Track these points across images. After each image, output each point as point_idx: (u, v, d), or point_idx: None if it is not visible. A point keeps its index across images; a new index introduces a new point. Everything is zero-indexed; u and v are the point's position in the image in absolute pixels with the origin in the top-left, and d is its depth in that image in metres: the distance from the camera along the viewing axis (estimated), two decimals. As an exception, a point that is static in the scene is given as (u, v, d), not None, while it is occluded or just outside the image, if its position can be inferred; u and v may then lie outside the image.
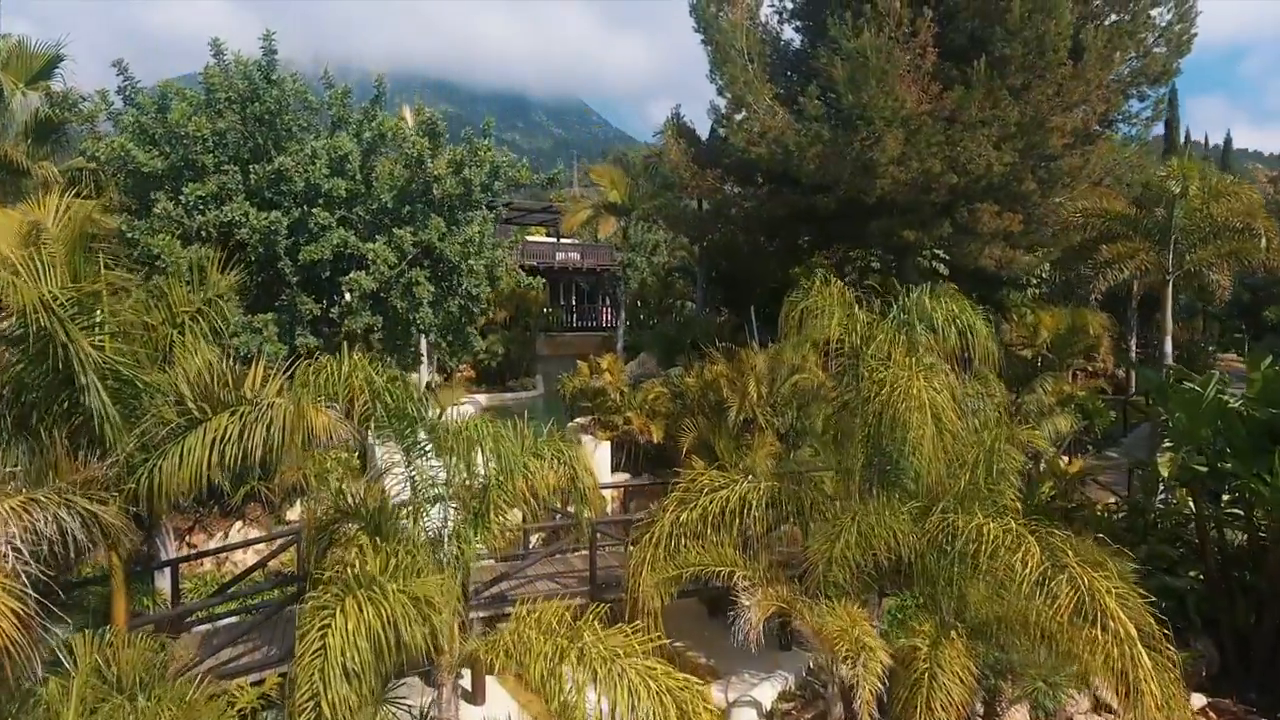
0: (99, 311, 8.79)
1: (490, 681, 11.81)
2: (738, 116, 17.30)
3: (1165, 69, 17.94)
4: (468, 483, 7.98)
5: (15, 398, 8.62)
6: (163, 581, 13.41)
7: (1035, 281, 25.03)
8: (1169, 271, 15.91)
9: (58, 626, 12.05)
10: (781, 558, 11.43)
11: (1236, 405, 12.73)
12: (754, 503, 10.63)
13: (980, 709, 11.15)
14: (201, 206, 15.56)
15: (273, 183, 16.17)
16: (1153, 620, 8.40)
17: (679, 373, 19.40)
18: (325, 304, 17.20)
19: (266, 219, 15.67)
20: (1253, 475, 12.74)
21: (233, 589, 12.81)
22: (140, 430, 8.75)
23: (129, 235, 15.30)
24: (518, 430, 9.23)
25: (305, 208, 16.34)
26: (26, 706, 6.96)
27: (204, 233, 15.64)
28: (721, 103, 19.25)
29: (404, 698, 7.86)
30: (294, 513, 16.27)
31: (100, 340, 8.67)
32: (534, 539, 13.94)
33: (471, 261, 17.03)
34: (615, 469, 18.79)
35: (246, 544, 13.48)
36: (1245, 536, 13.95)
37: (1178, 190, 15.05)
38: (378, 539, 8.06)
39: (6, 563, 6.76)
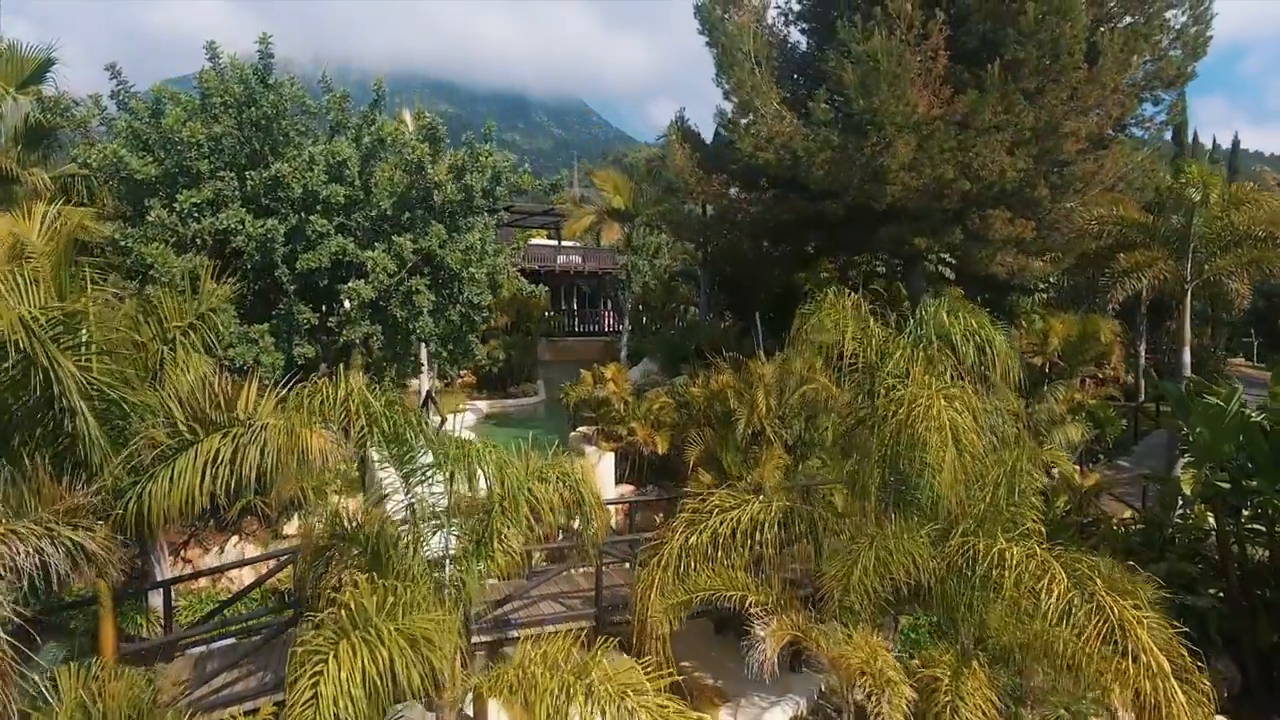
0: (85, 329, 8.45)
1: (494, 704, 11.46)
2: (744, 121, 16.91)
3: (1180, 72, 17.56)
4: (470, 509, 7.63)
5: (-4, 419, 8.27)
6: (157, 599, 13.08)
7: (1043, 286, 24.67)
8: (1187, 281, 15.54)
9: (47, 648, 11.73)
10: (793, 575, 11.10)
11: (1260, 420, 12.37)
12: (766, 522, 10.29)
13: (1001, 737, 10.80)
14: (196, 214, 15.20)
15: (269, 189, 15.81)
16: (1185, 653, 8.06)
17: (684, 381, 19.04)
18: (323, 313, 16.85)
19: (263, 226, 15.31)
20: (1275, 491, 12.41)
21: (228, 610, 12.48)
22: (128, 453, 8.40)
23: (122, 243, 14.95)
24: (521, 452, 8.91)
25: (303, 215, 15.98)
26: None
27: (199, 240, 15.28)
28: (728, 107, 18.95)
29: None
30: (291, 527, 15.92)
31: (86, 359, 8.33)
32: (537, 555, 13.58)
33: (473, 270, 16.67)
34: (619, 480, 18.43)
35: (242, 563, 13.14)
36: (1267, 553, 13.60)
37: (1198, 198, 14.68)
38: (375, 570, 7.74)
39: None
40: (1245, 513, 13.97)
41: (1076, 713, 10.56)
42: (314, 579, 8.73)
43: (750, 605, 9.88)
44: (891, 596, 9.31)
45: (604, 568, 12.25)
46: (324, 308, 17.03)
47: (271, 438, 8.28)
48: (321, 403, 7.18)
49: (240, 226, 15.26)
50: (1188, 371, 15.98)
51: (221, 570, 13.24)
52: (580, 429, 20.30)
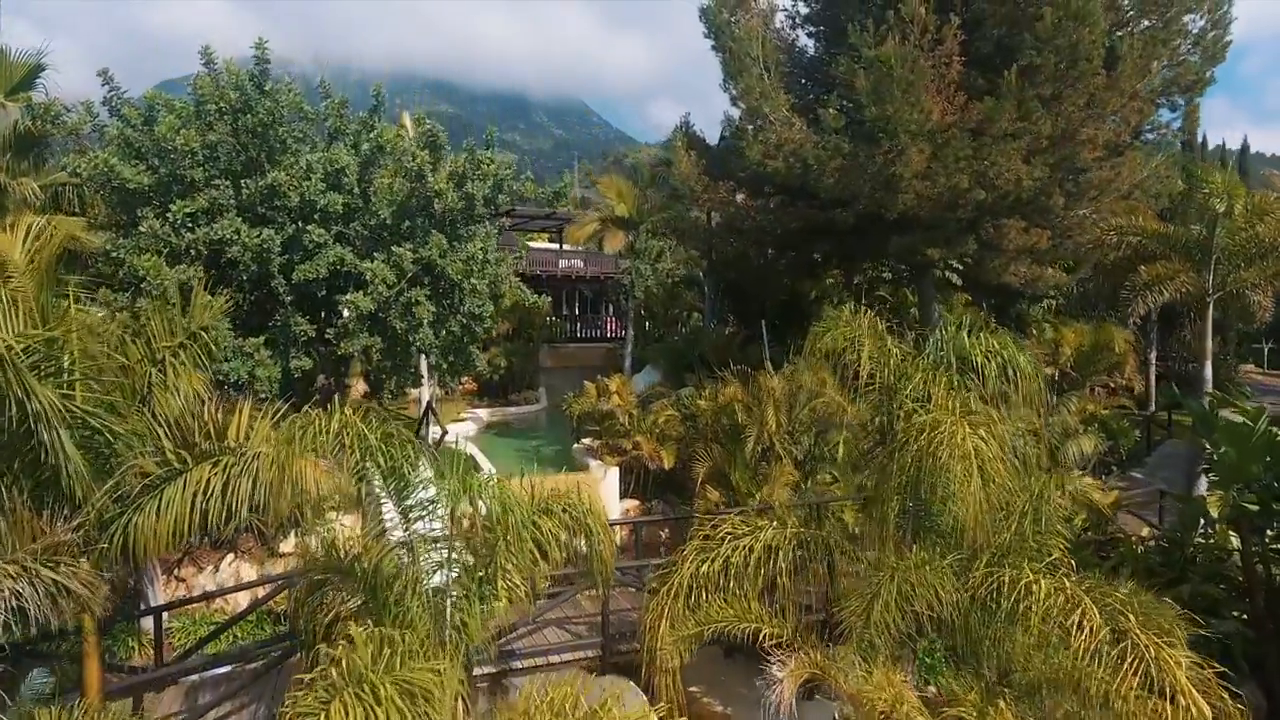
0: (68, 353, 8.04)
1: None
2: (752, 128, 16.48)
3: (1199, 77, 17.15)
4: (471, 546, 7.23)
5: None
6: (149, 620, 12.70)
7: (1052, 293, 24.24)
8: (1209, 294, 15.12)
9: (33, 675, 11.30)
10: (807, 600, 10.70)
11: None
12: (781, 550, 9.90)
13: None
14: (190, 224, 14.79)
15: (266, 198, 15.41)
16: (1227, 696, 7.67)
17: (690, 393, 18.64)
18: (321, 324, 16.44)
19: (259, 237, 14.90)
20: (1306, 513, 12.00)
21: (223, 634, 12.11)
22: (113, 483, 7.99)
23: (114, 254, 14.54)
24: (524, 476, 8.52)
25: (300, 224, 15.58)
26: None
27: (193, 251, 14.86)
28: (735, 112, 18.54)
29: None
30: (288, 544, 15.52)
31: (69, 387, 7.92)
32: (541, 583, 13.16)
33: (474, 280, 16.25)
34: (624, 495, 18.02)
35: (236, 589, 12.75)
36: (1295, 576, 13.15)
37: (1222, 209, 14.26)
38: (372, 604, 7.35)
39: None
40: (1270, 533, 13.54)
41: (1106, 752, 10.11)
42: (308, 612, 8.35)
43: (764, 637, 9.50)
44: (914, 632, 8.92)
45: (610, 591, 11.87)
46: (322, 319, 16.62)
47: (264, 468, 7.91)
48: (314, 436, 6.75)
49: (235, 236, 14.85)
50: (1209, 386, 15.55)
51: (214, 596, 12.82)
52: (584, 441, 19.90)
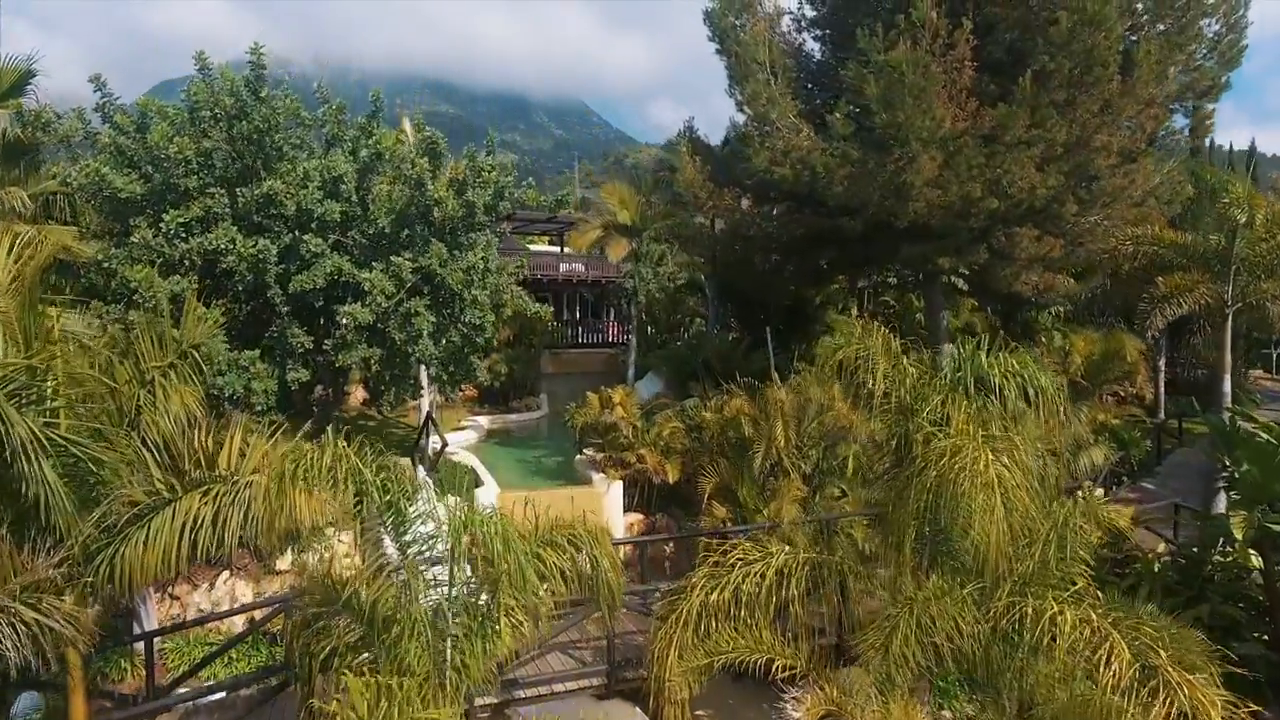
0: (51, 378, 7.70)
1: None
2: (758, 134, 16.12)
3: (1214, 82, 16.80)
4: (473, 579, 6.89)
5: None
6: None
7: (1062, 301, 23.87)
8: (1228, 305, 14.76)
9: (22, 699, 10.94)
10: (820, 624, 10.38)
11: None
12: (793, 575, 9.56)
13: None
14: (184, 234, 14.44)
15: (261, 206, 15.05)
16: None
17: (694, 404, 18.30)
18: (319, 335, 16.08)
19: (254, 246, 14.54)
20: (1331, 534, 11.67)
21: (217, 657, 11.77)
22: (99, 514, 7.65)
23: (105, 265, 14.19)
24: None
25: (296, 233, 15.22)
26: None
27: (187, 261, 14.51)
28: (740, 117, 18.20)
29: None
30: (285, 562, 15.17)
31: (53, 411, 7.58)
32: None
33: (474, 291, 15.90)
34: (628, 509, 17.67)
35: (231, 613, 12.40)
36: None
37: (1243, 219, 13.91)
38: (369, 639, 7.02)
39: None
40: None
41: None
42: (304, 644, 8.02)
43: (777, 668, 9.18)
44: (932, 663, 8.58)
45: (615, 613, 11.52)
46: (320, 321, 16.23)
47: (256, 498, 7.58)
48: (307, 472, 6.41)
49: (231, 246, 14.50)
50: (1229, 400, 15.19)
51: (208, 620, 12.48)
52: (587, 451, 19.56)
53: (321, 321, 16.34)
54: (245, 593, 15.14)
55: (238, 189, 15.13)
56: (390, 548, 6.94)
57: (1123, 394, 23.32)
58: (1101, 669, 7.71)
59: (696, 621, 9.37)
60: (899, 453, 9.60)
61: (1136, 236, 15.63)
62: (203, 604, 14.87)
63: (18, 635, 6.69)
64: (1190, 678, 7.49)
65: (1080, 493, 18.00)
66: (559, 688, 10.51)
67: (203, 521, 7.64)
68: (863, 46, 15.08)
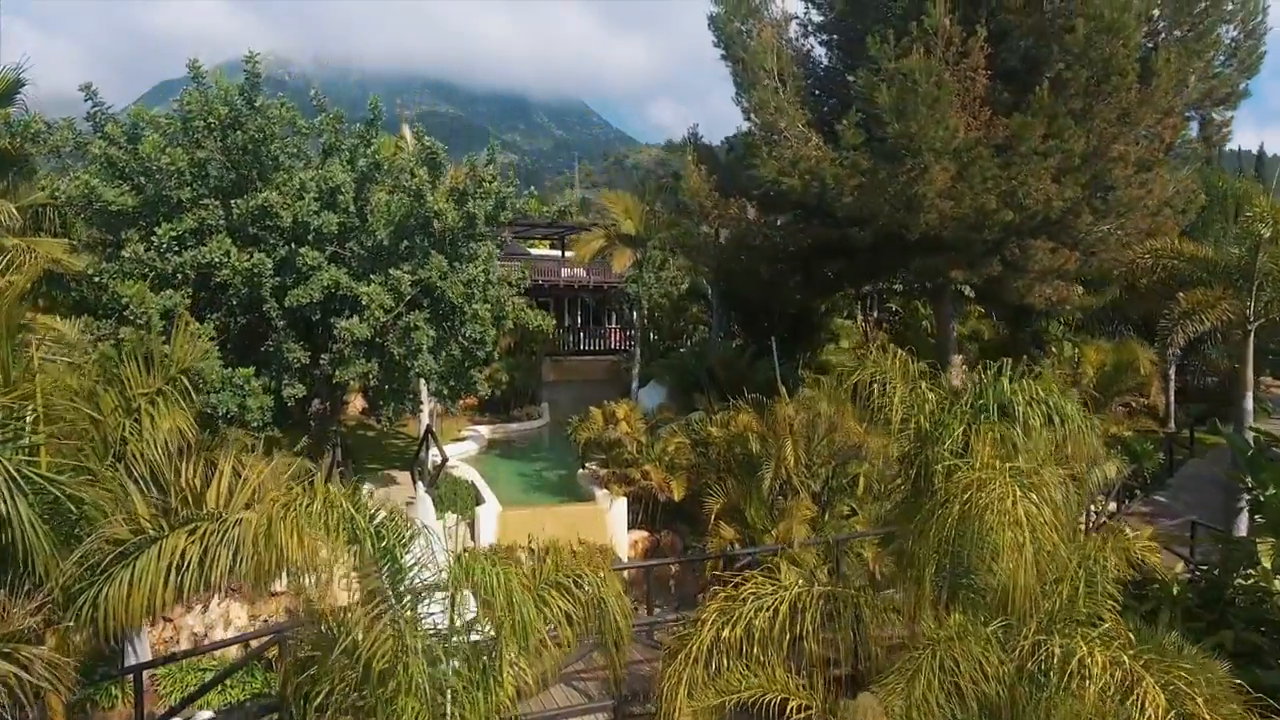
0: (31, 411, 7.32)
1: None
2: (766, 144, 15.71)
3: (1233, 90, 16.42)
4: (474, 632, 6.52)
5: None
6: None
7: (1075, 311, 23.46)
8: (1250, 321, 14.37)
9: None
10: (832, 651, 10.01)
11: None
12: (807, 609, 9.19)
13: None
14: (177, 247, 14.06)
15: (257, 218, 14.68)
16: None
17: (700, 417, 17.90)
18: (315, 349, 15.70)
19: (249, 260, 14.17)
20: (1361, 560, 11.28)
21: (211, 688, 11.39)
22: (79, 555, 7.27)
23: (96, 279, 13.82)
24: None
25: (293, 245, 14.85)
26: None
27: (180, 275, 14.13)
28: (744, 123, 17.80)
29: None
30: (280, 583, 14.79)
31: (32, 448, 7.21)
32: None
33: (475, 305, 15.52)
34: (632, 526, 17.28)
35: (224, 644, 12.03)
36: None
37: (1267, 234, 13.52)
38: (365, 685, 6.64)
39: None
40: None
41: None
42: (297, 683, 7.64)
43: (792, 709, 8.80)
44: (957, 707, 8.19)
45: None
46: (319, 331, 15.83)
47: (246, 534, 7.20)
48: (296, 520, 6.03)
49: (225, 260, 14.14)
50: (1250, 419, 14.77)
51: (200, 652, 12.12)
52: (590, 464, 19.16)
53: (320, 331, 15.96)
54: (240, 614, 14.79)
55: (232, 200, 14.77)
56: (388, 594, 6.55)
57: (1133, 404, 22.90)
58: (1135, 716, 7.35)
59: (707, 658, 8.99)
60: (918, 482, 9.21)
61: (1155, 249, 15.24)
62: (196, 626, 14.52)
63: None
64: (1227, 725, 7.10)
65: (1094, 508, 17.64)
66: (564, 726, 10.14)
67: (190, 562, 7.28)
68: (873, 53, 14.69)
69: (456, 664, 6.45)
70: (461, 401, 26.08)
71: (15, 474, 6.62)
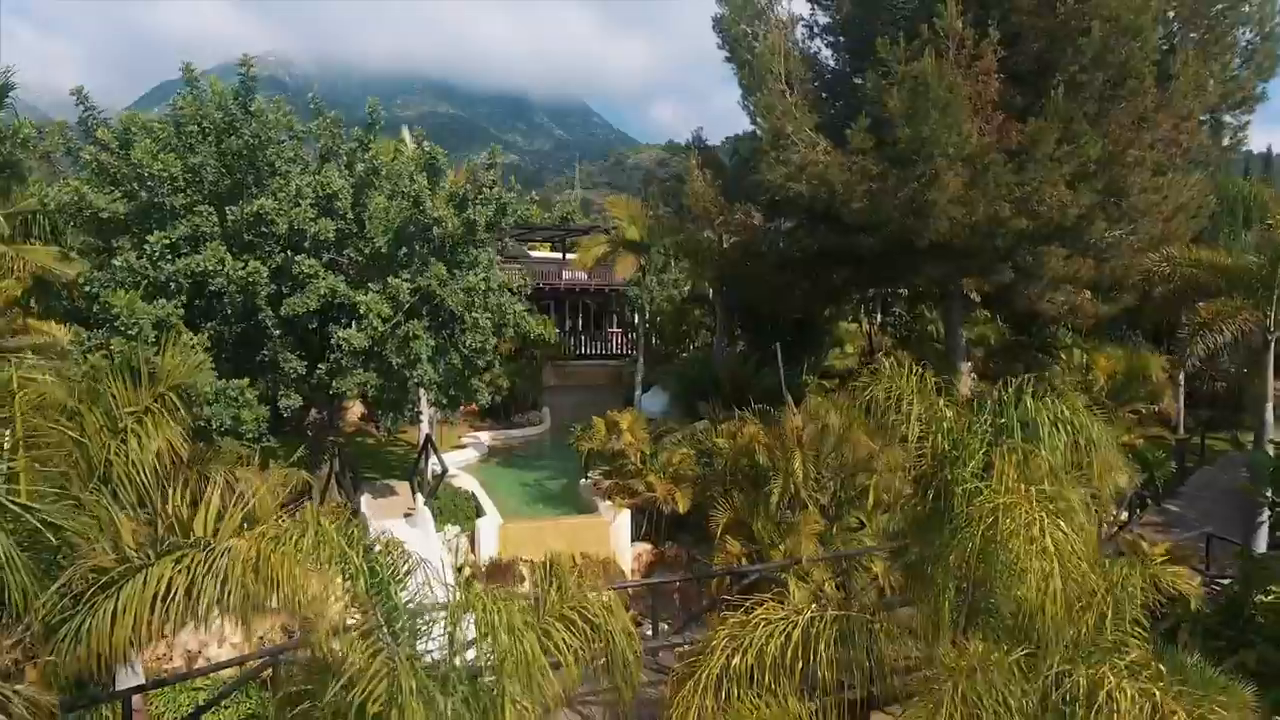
0: (9, 435, 6.98)
1: None
2: (772, 149, 15.34)
3: (1249, 94, 16.08)
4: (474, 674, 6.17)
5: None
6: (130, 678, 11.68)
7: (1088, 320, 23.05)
8: (1271, 331, 14.02)
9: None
10: (845, 675, 9.69)
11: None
12: (821, 635, 8.85)
13: None
14: (170, 255, 13.71)
15: (252, 225, 14.34)
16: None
17: (705, 427, 17.53)
18: (312, 359, 15.35)
19: (244, 268, 13.83)
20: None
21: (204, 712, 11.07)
22: (60, 586, 6.93)
23: (87, 288, 13.47)
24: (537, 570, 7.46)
25: (289, 253, 14.51)
26: None
27: (173, 284, 13.79)
28: (747, 124, 17.46)
29: None
30: (274, 599, 14.44)
31: (10, 471, 6.87)
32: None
33: (476, 314, 15.18)
34: (636, 538, 16.93)
35: (217, 667, 11.69)
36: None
37: (1290, 243, 13.19)
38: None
39: None
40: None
41: None
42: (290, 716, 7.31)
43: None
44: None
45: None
46: (317, 338, 15.48)
47: (234, 564, 6.87)
48: (285, 556, 5.69)
49: (219, 268, 13.79)
50: (1271, 433, 14.41)
51: (193, 675, 11.78)
52: (593, 474, 18.78)
53: (318, 340, 15.62)
54: (235, 632, 14.45)
55: (227, 207, 14.42)
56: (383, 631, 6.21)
57: (1144, 411, 22.52)
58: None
59: (716, 687, 8.64)
60: (936, 502, 8.87)
61: (1173, 257, 14.89)
62: (190, 643, 14.19)
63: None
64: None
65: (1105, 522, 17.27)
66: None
67: (176, 592, 6.94)
68: (883, 56, 14.35)
69: (455, 704, 6.10)
70: (461, 407, 25.80)
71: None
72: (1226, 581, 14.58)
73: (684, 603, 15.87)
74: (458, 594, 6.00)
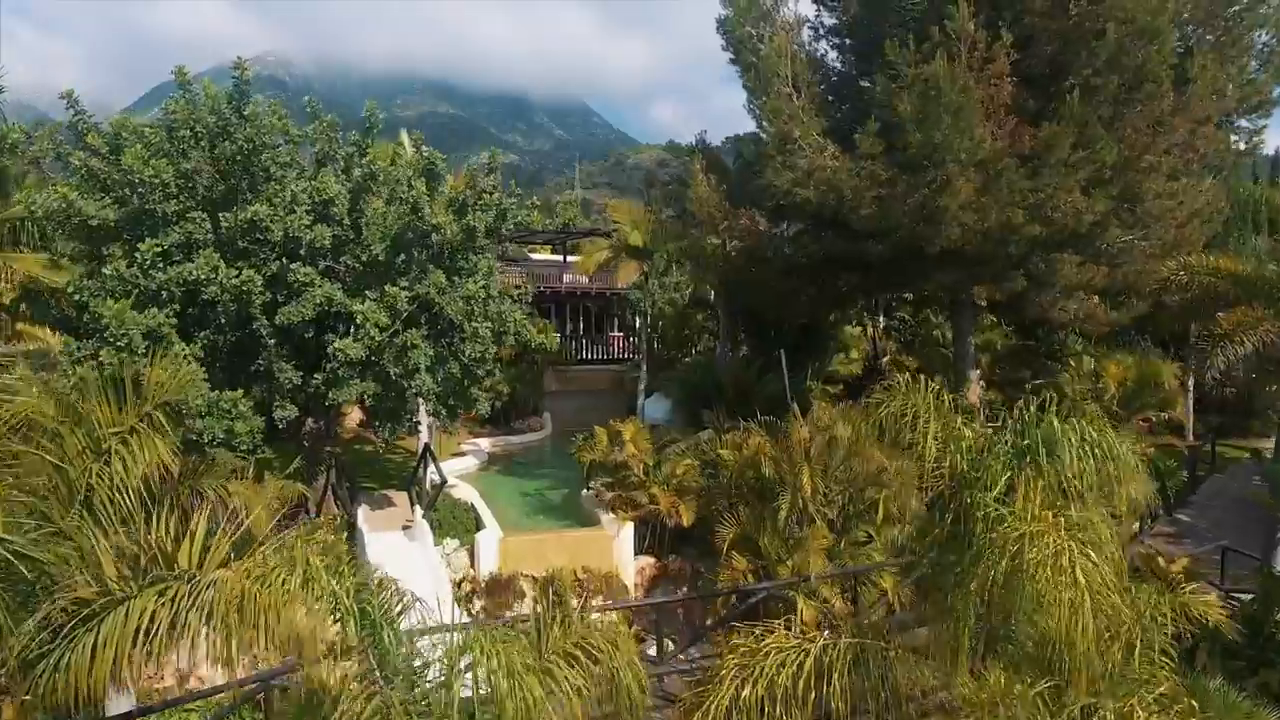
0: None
1: None
2: (779, 154, 14.98)
3: (1265, 97, 15.72)
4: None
5: None
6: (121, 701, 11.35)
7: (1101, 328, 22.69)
8: (1290, 341, 13.70)
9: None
10: (862, 704, 9.37)
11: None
12: (835, 665, 8.50)
13: None
14: (162, 263, 13.36)
15: (246, 232, 13.99)
16: None
17: (709, 437, 17.18)
18: (308, 369, 15.00)
19: (238, 277, 13.48)
20: None
21: None
22: (38, 620, 6.60)
23: (76, 297, 13.13)
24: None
25: (284, 261, 14.17)
26: None
27: (165, 293, 13.44)
28: (753, 126, 17.10)
29: None
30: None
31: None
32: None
33: (475, 323, 14.83)
34: (639, 551, 16.58)
35: (210, 692, 11.30)
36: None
37: (1313, 251, 12.83)
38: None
39: None
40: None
41: None
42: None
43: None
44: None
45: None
46: (313, 346, 15.14)
47: (219, 598, 6.53)
48: (273, 594, 5.34)
49: (213, 276, 13.44)
50: (1291, 445, 14.07)
51: (185, 701, 11.43)
52: (594, 485, 18.44)
53: (314, 348, 15.27)
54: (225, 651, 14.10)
55: (221, 213, 14.07)
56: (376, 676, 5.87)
57: (1155, 419, 22.17)
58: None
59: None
60: (954, 526, 8.52)
61: (1190, 265, 14.55)
62: (181, 662, 13.84)
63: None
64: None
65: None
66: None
67: (159, 626, 6.59)
68: (892, 59, 14.00)
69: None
70: (460, 413, 25.45)
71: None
72: (1243, 596, 14.25)
73: (689, 618, 15.54)
74: (457, 620, 5.66)
